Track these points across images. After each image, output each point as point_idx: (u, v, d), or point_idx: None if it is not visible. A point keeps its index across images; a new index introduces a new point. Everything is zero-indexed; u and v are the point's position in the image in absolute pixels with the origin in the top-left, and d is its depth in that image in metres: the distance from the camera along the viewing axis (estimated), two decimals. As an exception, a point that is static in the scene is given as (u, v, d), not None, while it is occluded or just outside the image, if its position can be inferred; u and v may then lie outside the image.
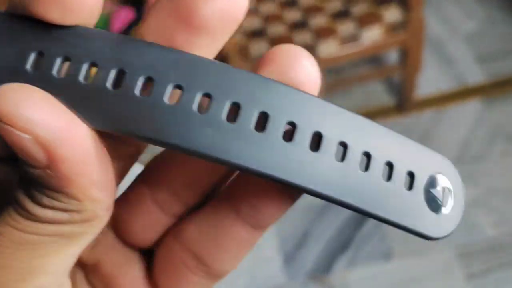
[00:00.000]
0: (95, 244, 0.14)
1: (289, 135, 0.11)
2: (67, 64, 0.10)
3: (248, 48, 1.05)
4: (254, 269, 1.10)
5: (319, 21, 1.08)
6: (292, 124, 0.11)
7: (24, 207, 0.11)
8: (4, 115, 0.09)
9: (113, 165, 0.13)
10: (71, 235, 0.11)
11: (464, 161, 1.16)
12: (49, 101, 0.10)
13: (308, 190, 0.12)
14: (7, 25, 0.10)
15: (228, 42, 0.81)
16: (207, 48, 0.12)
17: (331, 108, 0.12)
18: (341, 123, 0.12)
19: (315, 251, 1.10)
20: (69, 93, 0.10)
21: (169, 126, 0.10)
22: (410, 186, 0.12)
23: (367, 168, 0.12)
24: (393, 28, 1.04)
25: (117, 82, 0.11)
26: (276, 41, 1.05)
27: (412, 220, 0.12)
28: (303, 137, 0.11)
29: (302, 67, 0.12)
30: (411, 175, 0.12)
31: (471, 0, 1.41)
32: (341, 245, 1.10)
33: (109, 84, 0.11)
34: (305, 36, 1.06)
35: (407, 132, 1.25)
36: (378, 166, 0.12)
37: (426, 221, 0.12)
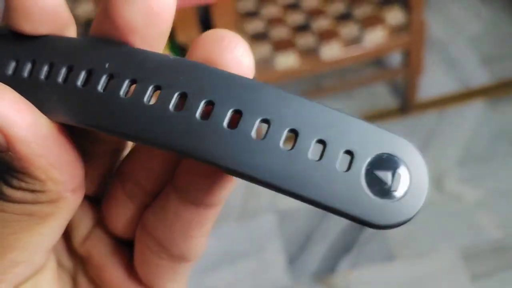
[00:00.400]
0: (87, 237, 0.16)
1: (206, 114, 0.11)
2: (42, 68, 0.12)
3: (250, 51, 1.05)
4: (258, 271, 1.10)
5: (322, 23, 1.08)
6: (211, 103, 0.11)
7: None
8: None
9: (96, 161, 0.15)
10: (39, 214, 0.13)
11: (468, 162, 1.16)
12: (6, 93, 0.11)
13: (217, 164, 0.11)
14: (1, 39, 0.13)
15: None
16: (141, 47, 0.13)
17: (252, 85, 0.11)
18: (265, 101, 0.11)
19: (318, 252, 1.10)
20: (33, 91, 0.12)
21: (104, 113, 0.11)
22: (348, 167, 0.11)
23: (293, 146, 0.11)
24: (395, 30, 1.04)
25: (66, 78, 0.12)
26: (279, 44, 1.06)
27: (347, 204, 0.11)
28: (220, 115, 0.11)
29: (228, 51, 0.12)
30: (350, 154, 0.11)
31: (475, 1, 1.41)
32: (345, 247, 1.10)
33: (60, 80, 0.12)
34: (308, 39, 1.06)
35: (410, 134, 1.25)
36: (305, 143, 0.11)
37: (367, 206, 0.11)
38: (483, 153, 1.17)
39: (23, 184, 0.12)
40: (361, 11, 1.08)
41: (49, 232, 0.13)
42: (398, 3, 1.06)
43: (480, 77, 1.28)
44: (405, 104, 1.23)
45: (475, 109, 1.23)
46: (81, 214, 0.16)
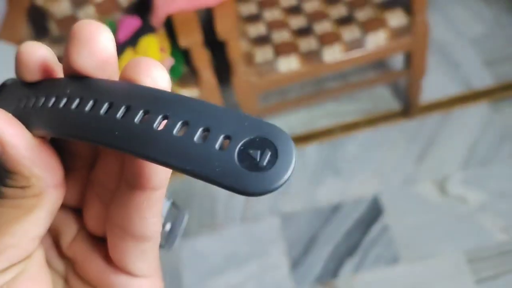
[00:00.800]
0: (72, 241, 0.19)
1: (127, 116, 0.15)
2: (32, 100, 0.17)
3: (253, 55, 1.05)
4: (262, 275, 1.10)
5: (323, 26, 1.08)
6: (129, 108, 0.15)
7: None
8: None
9: (76, 176, 0.19)
10: (26, 206, 0.16)
11: (471, 165, 1.16)
12: (1, 113, 0.16)
13: (135, 154, 0.14)
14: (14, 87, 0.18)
15: (234, 48, 0.82)
16: None
17: (160, 93, 0.15)
18: (167, 103, 0.15)
19: (322, 256, 1.09)
20: (23, 115, 0.16)
21: (61, 123, 0.16)
22: (226, 147, 0.14)
23: (184, 133, 0.14)
24: (397, 33, 1.04)
25: (43, 104, 0.16)
26: (281, 47, 1.06)
27: (222, 175, 0.13)
28: (134, 115, 0.15)
29: (145, 74, 0.16)
30: (228, 138, 0.14)
31: (478, 3, 1.41)
32: (348, 250, 1.09)
33: (39, 105, 0.16)
34: (310, 42, 1.06)
35: (413, 136, 1.24)
36: (193, 131, 0.14)
37: (238, 177, 0.13)
38: (487, 155, 1.16)
39: (13, 182, 0.16)
40: (363, 13, 1.08)
41: (35, 222, 0.17)
42: (400, 5, 1.06)
43: (483, 79, 1.28)
44: (408, 106, 1.23)
45: (479, 111, 1.23)
46: (66, 222, 0.19)
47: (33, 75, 0.17)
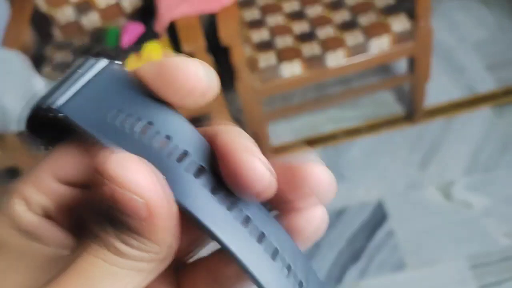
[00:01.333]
0: None
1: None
2: (165, 141, 0.14)
3: (256, 60, 1.05)
4: (265, 281, 1.09)
5: (326, 32, 1.08)
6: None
7: (114, 245, 0.14)
8: (128, 184, 0.13)
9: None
10: (144, 269, 0.15)
11: (475, 170, 1.15)
12: (156, 173, 0.14)
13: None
14: (132, 88, 0.14)
15: (237, 54, 0.82)
16: None
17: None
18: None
19: (326, 262, 1.09)
20: (165, 167, 0.14)
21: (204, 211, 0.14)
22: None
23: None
24: (401, 38, 1.04)
25: (198, 173, 0.14)
26: (284, 52, 1.06)
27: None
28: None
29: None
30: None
31: (481, 8, 1.41)
32: (353, 256, 1.09)
33: (192, 172, 0.14)
34: (313, 47, 1.06)
35: (416, 141, 1.24)
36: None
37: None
38: (490, 160, 1.16)
39: (142, 246, 0.14)
40: (366, 19, 1.08)
41: (143, 284, 0.15)
42: (404, 10, 1.06)
43: (486, 83, 1.27)
44: (412, 111, 1.23)
45: (482, 116, 1.23)
46: None
47: (187, 100, 0.14)
